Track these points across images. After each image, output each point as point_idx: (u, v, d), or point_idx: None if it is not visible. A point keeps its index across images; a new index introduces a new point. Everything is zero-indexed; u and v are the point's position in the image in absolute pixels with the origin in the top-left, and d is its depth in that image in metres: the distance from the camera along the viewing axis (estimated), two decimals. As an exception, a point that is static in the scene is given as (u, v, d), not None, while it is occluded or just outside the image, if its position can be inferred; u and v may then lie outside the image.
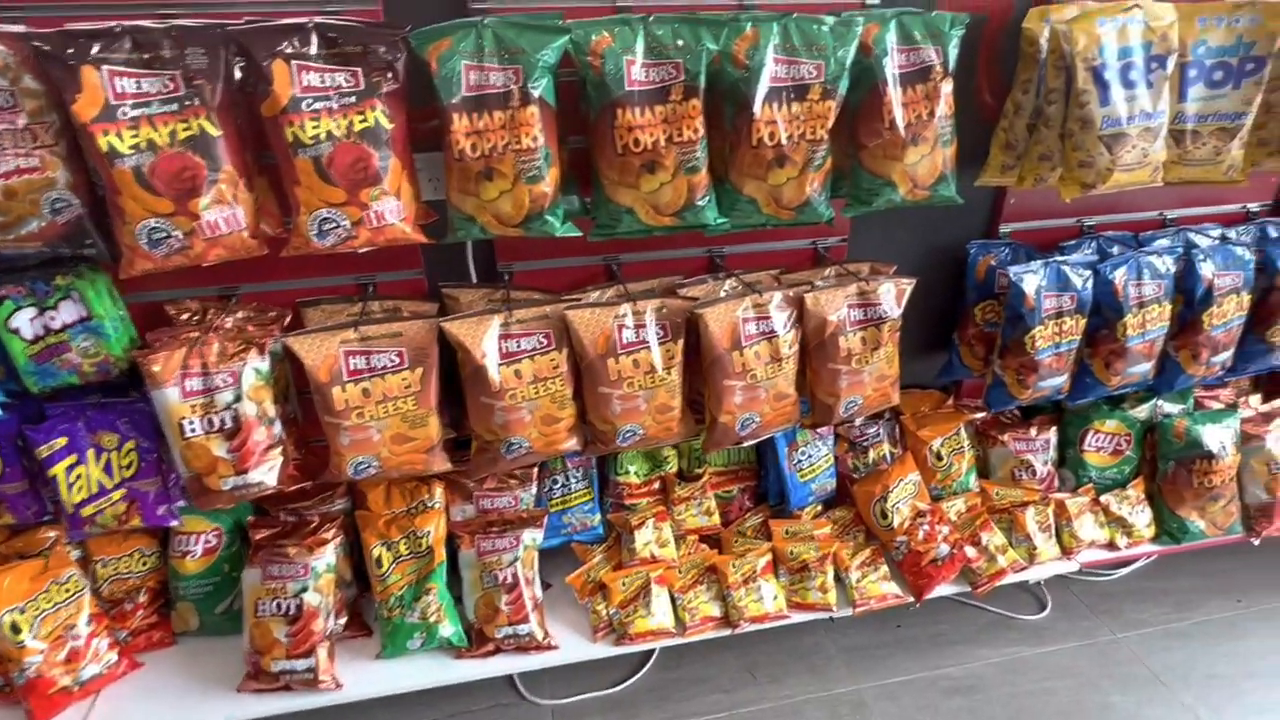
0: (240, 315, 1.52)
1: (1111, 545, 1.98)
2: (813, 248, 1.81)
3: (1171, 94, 1.57)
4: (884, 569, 1.85)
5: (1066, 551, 1.95)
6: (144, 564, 1.69)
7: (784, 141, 1.36)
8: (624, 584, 1.74)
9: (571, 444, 1.61)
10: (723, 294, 1.64)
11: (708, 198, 1.40)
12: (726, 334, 1.55)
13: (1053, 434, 2.04)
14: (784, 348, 1.59)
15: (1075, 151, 1.52)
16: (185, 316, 1.51)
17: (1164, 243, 1.93)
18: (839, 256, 1.82)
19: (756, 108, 1.34)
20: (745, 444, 1.83)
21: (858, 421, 1.99)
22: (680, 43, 1.29)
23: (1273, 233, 1.99)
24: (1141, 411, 2.02)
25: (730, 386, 1.59)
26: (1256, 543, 2.04)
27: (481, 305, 1.62)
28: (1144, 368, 1.85)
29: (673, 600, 1.77)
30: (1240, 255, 1.84)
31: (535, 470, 1.81)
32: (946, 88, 1.44)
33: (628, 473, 1.88)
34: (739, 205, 1.44)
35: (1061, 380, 1.82)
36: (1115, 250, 1.88)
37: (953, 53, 1.45)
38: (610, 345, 1.52)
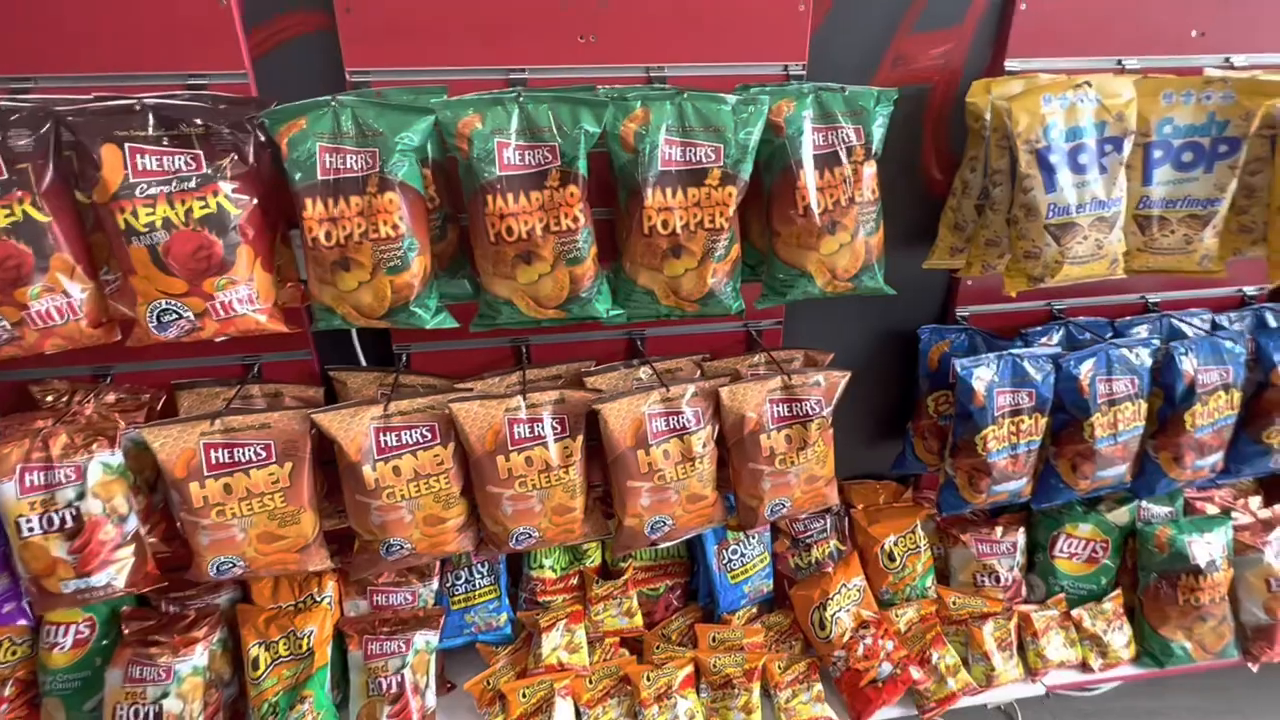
0: (110, 399, 1.42)
1: (1084, 666, 1.76)
2: (745, 331, 1.66)
3: (1135, 177, 1.41)
4: (818, 688, 1.66)
5: (1032, 673, 1.74)
6: (13, 654, 1.58)
7: (679, 230, 1.23)
8: (525, 694, 1.59)
9: (460, 545, 1.47)
10: (633, 385, 1.50)
11: (596, 289, 1.26)
12: (630, 431, 1.41)
13: (1020, 536, 1.84)
14: (697, 446, 1.44)
15: (1020, 240, 1.36)
16: (51, 399, 1.42)
17: (1143, 332, 1.74)
18: (774, 341, 1.67)
19: (647, 194, 1.21)
20: (661, 546, 1.67)
21: (801, 515, 1.82)
22: (555, 124, 1.17)
23: (1271, 321, 1.79)
24: (1121, 515, 1.81)
25: (635, 488, 1.44)
26: (1255, 669, 1.80)
27: (372, 390, 1.50)
28: (1117, 471, 1.65)
29: (578, 715, 1.61)
30: (1229, 348, 1.64)
31: (438, 564, 1.68)
32: (869, 170, 1.30)
33: (542, 567, 1.73)
34: (635, 296, 1.30)
35: (1020, 484, 1.63)
36: (1087, 338, 1.70)
37: (877, 132, 1.31)
38: (500, 441, 1.38)
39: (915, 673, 1.64)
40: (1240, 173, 1.46)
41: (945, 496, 1.67)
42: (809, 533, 1.83)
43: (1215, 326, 1.78)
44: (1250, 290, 1.84)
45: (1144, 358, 1.61)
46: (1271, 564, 1.77)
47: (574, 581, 1.76)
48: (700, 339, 1.64)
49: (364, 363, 1.53)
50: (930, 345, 1.69)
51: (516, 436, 1.39)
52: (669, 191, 1.22)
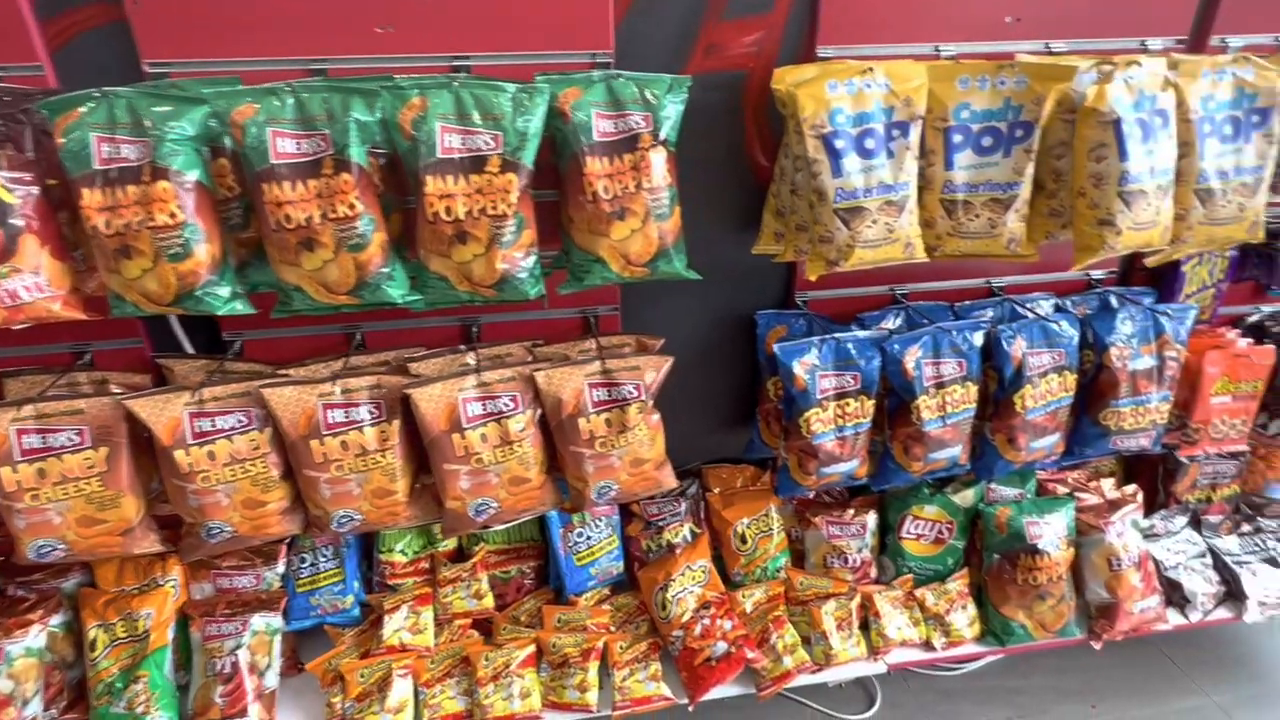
0: (-65, 386, 1.45)
1: (927, 645, 1.79)
2: (582, 316, 1.68)
3: (938, 162, 1.42)
4: (655, 667, 1.69)
5: (874, 651, 1.77)
6: None
7: (462, 216, 1.25)
8: (363, 675, 1.62)
9: (285, 527, 1.50)
10: (459, 370, 1.53)
11: (388, 273, 1.29)
12: (443, 415, 1.44)
13: (871, 518, 1.86)
14: (515, 429, 1.47)
15: (816, 225, 1.38)
16: (-124, 385, 1.45)
17: (986, 316, 1.76)
18: (612, 326, 1.70)
19: (427, 181, 1.23)
20: (495, 528, 1.70)
21: (656, 497, 1.85)
22: (328, 113, 1.19)
23: (1115, 304, 1.81)
24: (967, 497, 1.84)
25: (453, 471, 1.47)
26: (1098, 647, 1.83)
27: (199, 377, 1.53)
28: (950, 453, 1.68)
29: (416, 694, 1.64)
30: (1059, 331, 1.67)
31: (284, 546, 1.71)
32: (658, 157, 1.32)
33: (392, 551, 1.77)
34: (431, 282, 1.33)
35: (850, 466, 1.65)
36: (926, 323, 1.72)
37: (668, 119, 1.32)
38: (314, 426, 1.41)
39: (750, 652, 1.67)
40: (1046, 157, 1.49)
41: (781, 479, 1.70)
42: (662, 515, 1.86)
43: (1058, 310, 1.80)
44: (1097, 274, 1.86)
45: (973, 341, 1.63)
46: (1113, 544, 1.79)
47: (425, 565, 1.80)
48: (536, 325, 1.67)
49: (190, 350, 1.56)
50: (767, 330, 1.72)
51: (330, 421, 1.42)
52: (450, 178, 1.24)
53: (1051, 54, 1.56)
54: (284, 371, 1.51)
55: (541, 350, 1.63)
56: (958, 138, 1.41)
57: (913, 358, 1.60)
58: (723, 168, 1.60)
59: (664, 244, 1.36)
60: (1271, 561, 1.95)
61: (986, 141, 1.41)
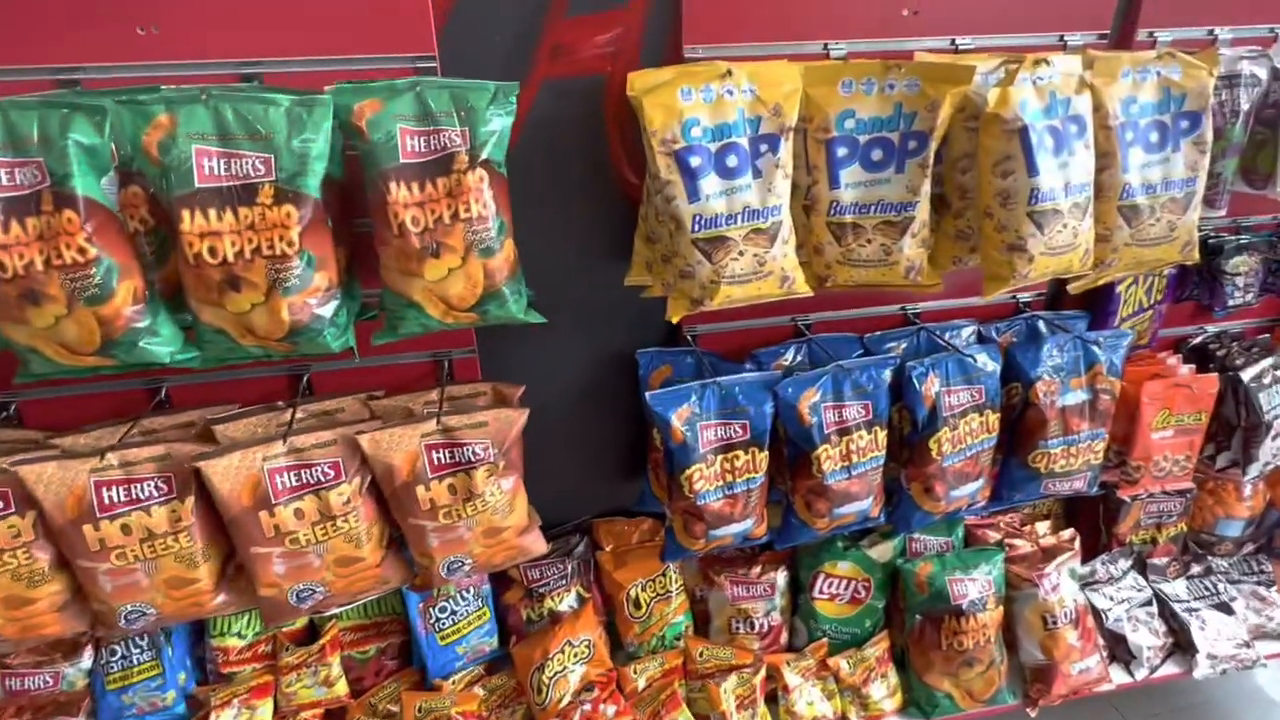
0: None
1: (843, 720, 1.59)
2: (434, 361, 1.46)
3: (822, 179, 1.22)
4: (528, 763, 1.47)
5: (782, 731, 1.57)
6: None
7: (231, 258, 1.02)
8: (180, 789, 1.38)
9: (65, 626, 1.26)
10: (264, 436, 1.30)
11: (147, 328, 1.05)
12: (245, 490, 1.20)
13: (781, 576, 1.66)
14: (336, 502, 1.24)
15: (675, 258, 1.17)
16: None
17: (899, 348, 1.56)
18: (469, 371, 1.47)
19: (183, 216, 1.00)
20: (324, 614, 1.47)
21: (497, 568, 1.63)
22: (41, 136, 0.96)
23: (1044, 330, 1.62)
24: (885, 550, 1.64)
25: (262, 554, 1.23)
26: (1033, 714, 1.64)
27: (-41, 448, 1.28)
28: (859, 507, 1.47)
29: (245, 809, 1.41)
30: (977, 365, 1.47)
31: (90, 639, 1.46)
32: (478, 179, 1.09)
33: (224, 634, 1.52)
34: (208, 336, 1.09)
35: (745, 526, 1.44)
36: (830, 359, 1.51)
37: (491, 135, 1.10)
38: (86, 508, 1.17)
39: (635, 742, 1.46)
40: (951, 171, 1.29)
41: (668, 543, 1.49)
42: (544, 580, 1.63)
43: (981, 339, 1.61)
44: (1025, 297, 1.67)
45: (880, 379, 1.43)
46: (1047, 599, 1.60)
47: (265, 649, 1.56)
48: (377, 373, 1.44)
49: (-53, 417, 1.31)
50: (651, 371, 1.50)
51: (107, 501, 1.18)
52: (212, 213, 1.01)
53: (958, 51, 1.36)
54: (55, 441, 1.27)
55: (381, 404, 1.40)
56: (842, 151, 1.20)
57: (809, 402, 1.39)
58: (588, 187, 1.39)
59: (493, 284, 1.14)
60: (1223, 607, 1.77)
61: (876, 155, 1.21)
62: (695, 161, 1.10)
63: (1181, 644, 1.73)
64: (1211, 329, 1.81)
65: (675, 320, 1.20)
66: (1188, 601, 1.78)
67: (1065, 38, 1.41)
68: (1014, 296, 1.66)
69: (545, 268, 1.30)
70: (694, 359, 1.51)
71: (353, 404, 1.39)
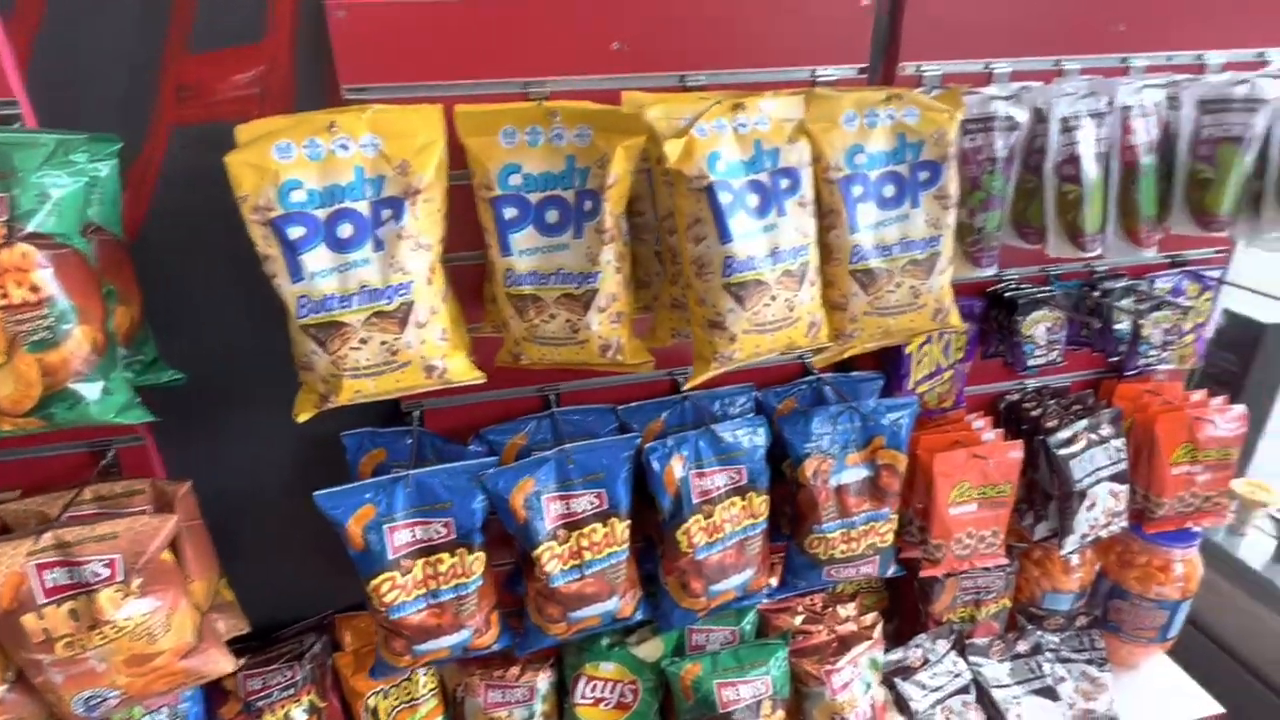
0: None
1: None
2: (91, 452, 1.24)
3: (494, 243, 1.03)
4: None
5: None
6: None
7: None
8: None
9: None
10: None
11: None
12: None
13: (544, 679, 1.46)
14: (-85, 640, 1.02)
15: (294, 345, 0.97)
16: None
17: (659, 424, 1.38)
18: (140, 465, 1.26)
19: None
20: None
21: (257, 667, 1.42)
22: None
23: (831, 394, 1.44)
24: (653, 648, 1.45)
25: None
26: (825, 829, 1.45)
27: None
28: (602, 608, 1.28)
29: None
30: (735, 442, 1.29)
31: None
32: (17, 258, 0.88)
33: None
34: None
35: (461, 637, 1.24)
36: (548, 439, 1.32)
37: (46, 200, 0.89)
38: None
39: None
40: (661, 231, 1.11)
41: (376, 659, 1.28)
42: (266, 691, 1.42)
43: (760, 408, 1.43)
44: (814, 357, 1.50)
45: (617, 460, 1.24)
46: (837, 700, 1.42)
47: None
48: (19, 468, 1.22)
49: None
50: (361, 455, 1.30)
51: None
52: None
53: (687, 89, 1.18)
54: None
55: (11, 508, 1.18)
56: (511, 212, 1.01)
57: (524, 493, 1.20)
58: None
59: (57, 381, 0.93)
60: (1047, 692, 1.61)
61: (551, 217, 1.02)
62: (296, 233, 0.90)
63: (1000, 736, 1.57)
64: (1034, 383, 1.66)
65: (300, 419, 1.00)
66: (1009, 686, 1.61)
67: (817, 73, 1.24)
68: (801, 357, 1.49)
69: (225, 342, 1.16)
70: (413, 440, 1.31)
71: (-26, 507, 1.17)
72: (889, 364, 1.48)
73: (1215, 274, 1.59)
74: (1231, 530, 2.14)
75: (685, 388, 1.08)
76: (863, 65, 1.25)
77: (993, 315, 1.48)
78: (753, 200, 1.01)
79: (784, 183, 1.03)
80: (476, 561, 1.22)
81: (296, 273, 0.91)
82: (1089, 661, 1.68)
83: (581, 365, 1.09)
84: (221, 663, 1.22)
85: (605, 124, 0.99)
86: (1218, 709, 1.67)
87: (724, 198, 0.98)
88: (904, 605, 1.75)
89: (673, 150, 0.97)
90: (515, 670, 1.46)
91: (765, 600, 1.49)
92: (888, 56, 1.28)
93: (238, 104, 1.08)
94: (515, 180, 1.01)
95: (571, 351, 1.07)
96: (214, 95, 1.07)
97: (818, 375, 1.46)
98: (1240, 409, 1.55)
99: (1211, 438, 1.53)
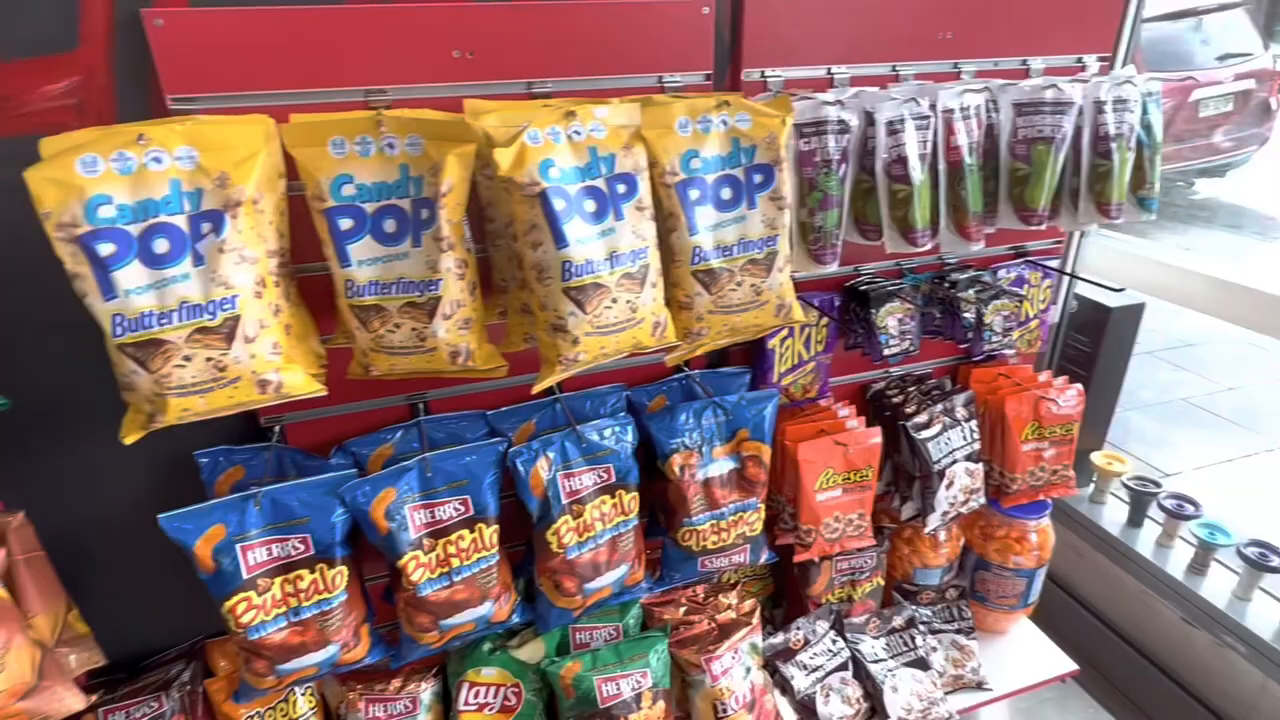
0: None
1: None
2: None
3: (332, 254, 1.02)
4: None
5: None
6: None
7: None
8: None
9: None
10: None
11: None
12: None
13: (427, 690, 1.45)
14: None
15: (115, 364, 0.94)
16: None
17: (530, 426, 1.39)
18: (-37, 493, 1.19)
19: None
20: None
21: (122, 698, 1.36)
22: None
23: (698, 392, 1.49)
24: (535, 650, 1.46)
25: None
26: (711, 812, 1.50)
27: None
28: (476, 614, 1.28)
29: None
30: (602, 441, 1.32)
31: None
32: None
33: None
34: None
35: (327, 654, 1.22)
36: (417, 447, 1.32)
37: None
38: None
39: None
40: (504, 237, 1.13)
41: (241, 682, 1.25)
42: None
43: (632, 407, 1.46)
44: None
45: (481, 465, 1.25)
46: (718, 686, 1.47)
47: None
48: None
49: None
50: (217, 475, 1.26)
51: None
52: None
53: (533, 96, 1.20)
54: None
55: None
56: (347, 222, 1.01)
57: (386, 504, 1.19)
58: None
59: None
60: (919, 663, 1.70)
61: (389, 226, 1.02)
62: (107, 249, 0.88)
63: (877, 708, 1.64)
64: (900, 370, 1.75)
65: (127, 441, 0.97)
66: (885, 660, 1.70)
67: (664, 79, 1.28)
68: (663, 358, 1.53)
69: (54, 364, 1.14)
70: (274, 456, 1.28)
71: None
72: (755, 358, 1.54)
73: (1054, 264, 1.72)
74: (1093, 500, 2.30)
75: (533, 391, 1.09)
76: (707, 72, 1.30)
77: (850, 308, 1.55)
78: (589, 206, 1.04)
79: (621, 188, 1.06)
80: (338, 576, 1.20)
81: (109, 290, 0.88)
82: (958, 631, 1.79)
83: (433, 373, 1.09)
84: (69, 700, 1.16)
85: (436, 133, 0.99)
86: (1073, 666, 1.80)
87: (558, 204, 1.00)
88: (789, 590, 1.82)
89: (504, 158, 0.98)
90: (397, 682, 1.45)
91: (646, 594, 1.53)
92: (732, 63, 1.33)
93: (51, 116, 1.04)
94: (348, 190, 1.00)
95: (421, 360, 1.07)
96: (23, 106, 1.02)
97: (686, 372, 1.51)
98: (1077, 388, 1.68)
99: (1054, 415, 1.65)
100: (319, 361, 1.12)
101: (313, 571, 1.18)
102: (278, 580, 1.17)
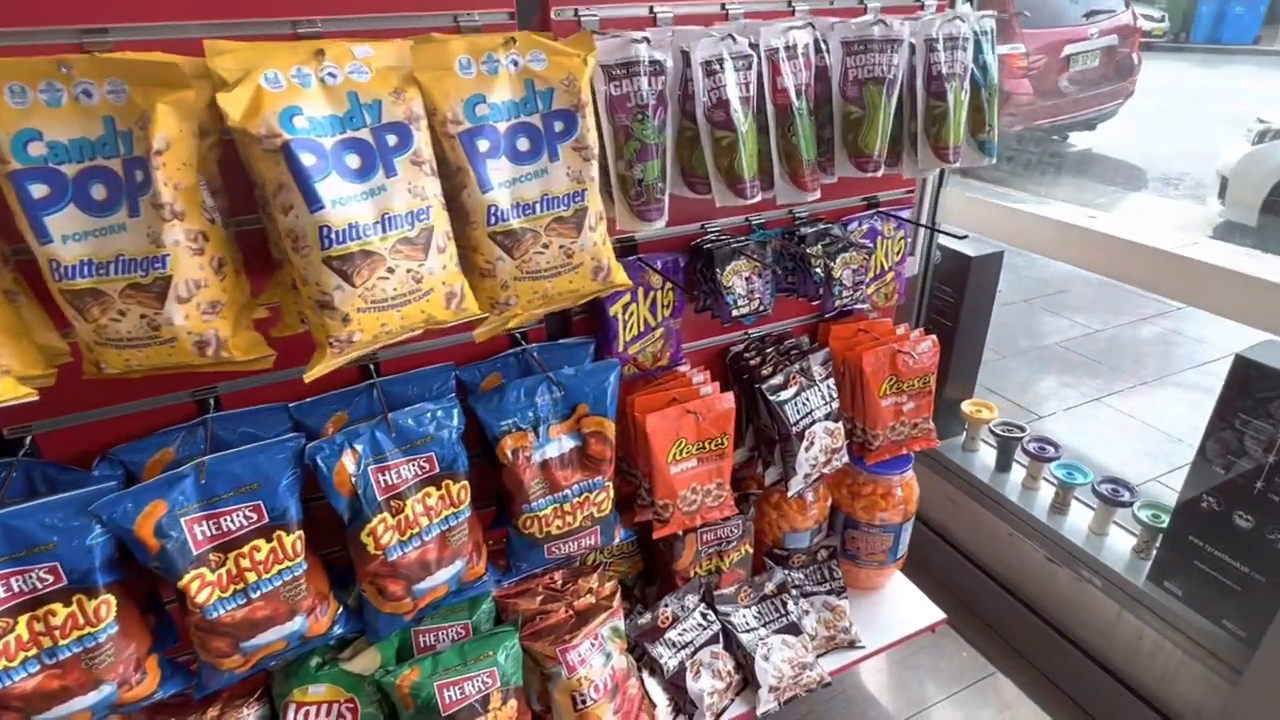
0: None
1: None
2: None
3: (28, 230, 0.84)
4: None
5: None
6: None
7: None
8: None
9: None
10: None
11: None
12: None
13: (251, 713, 1.30)
14: None
15: None
16: None
17: (341, 416, 1.24)
18: None
19: None
20: None
21: None
22: None
23: (535, 369, 1.37)
24: (369, 660, 1.34)
25: None
26: (576, 808, 1.43)
27: None
28: (282, 631, 1.14)
29: None
30: (418, 427, 1.18)
31: None
32: None
33: None
34: None
35: (100, 695, 1.06)
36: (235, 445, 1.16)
37: None
38: None
39: None
40: (271, 207, 0.97)
41: None
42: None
43: (463, 387, 1.34)
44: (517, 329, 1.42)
45: (274, 464, 1.10)
46: (575, 677, 1.38)
47: None
48: None
49: None
50: (-51, 498, 1.06)
51: None
52: None
53: (298, 38, 1.03)
54: None
55: None
56: (39, 190, 0.83)
57: (155, 519, 1.03)
58: None
59: None
60: (791, 629, 1.67)
61: (97, 193, 0.84)
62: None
63: (749, 678, 1.61)
64: (760, 331, 1.68)
65: None
66: (756, 629, 1.66)
67: (460, 18, 1.13)
68: (514, 333, 1.40)
69: None
70: (21, 472, 1.09)
71: None
72: (599, 328, 1.43)
73: (906, 214, 1.68)
74: (965, 448, 2.34)
75: (305, 379, 0.94)
76: (510, 10, 1.16)
77: (696, 269, 1.46)
78: (352, 161, 0.89)
79: (391, 139, 0.92)
80: (104, 606, 1.03)
81: None
82: (829, 592, 1.77)
83: (181, 368, 0.93)
84: None
85: (141, 76, 0.82)
86: (941, 615, 1.82)
87: (306, 159, 0.85)
88: (659, 566, 1.75)
89: (232, 105, 0.82)
90: (214, 711, 1.29)
91: (495, 587, 1.42)
92: (541, 0, 1.20)
93: None
94: (36, 149, 0.82)
95: (161, 353, 0.90)
96: None
97: (524, 346, 1.39)
98: (932, 339, 1.66)
99: (911, 368, 1.63)
100: (49, 359, 0.94)
101: (68, 605, 1.01)
102: (22, 620, 0.99)
